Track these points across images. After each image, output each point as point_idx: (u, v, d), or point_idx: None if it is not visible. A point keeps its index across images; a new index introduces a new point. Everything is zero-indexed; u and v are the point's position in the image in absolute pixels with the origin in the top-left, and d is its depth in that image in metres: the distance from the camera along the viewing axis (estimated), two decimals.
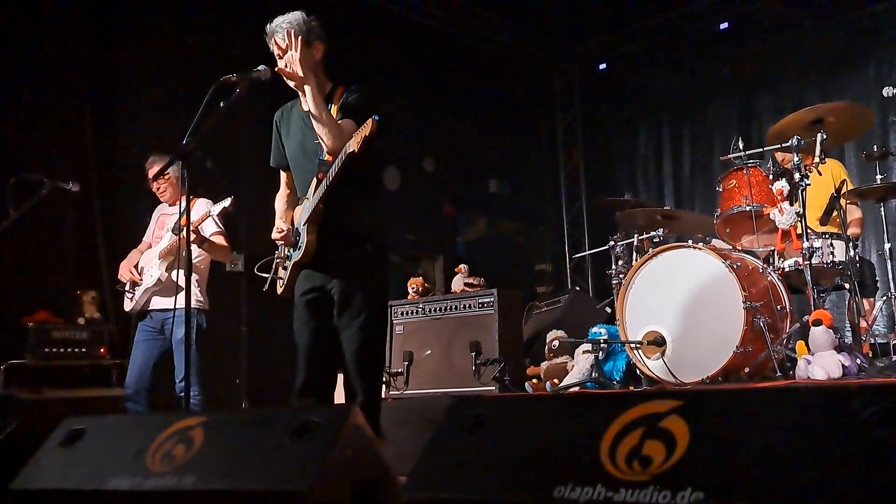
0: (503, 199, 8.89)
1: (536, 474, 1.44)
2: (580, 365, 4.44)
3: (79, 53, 5.70)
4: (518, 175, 9.03)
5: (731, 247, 4.28)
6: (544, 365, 4.90)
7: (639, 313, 4.06)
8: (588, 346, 4.37)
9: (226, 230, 4.21)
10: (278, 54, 2.92)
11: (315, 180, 2.92)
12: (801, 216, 3.81)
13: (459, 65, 8.19)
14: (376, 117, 2.65)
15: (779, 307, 3.92)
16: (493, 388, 4.47)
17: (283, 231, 3.01)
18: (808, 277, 3.74)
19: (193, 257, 4.17)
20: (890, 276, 4.03)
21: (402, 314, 5.01)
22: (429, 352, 4.83)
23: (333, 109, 2.93)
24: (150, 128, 5.80)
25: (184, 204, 2.90)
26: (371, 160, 2.89)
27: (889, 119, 6.86)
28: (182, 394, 3.27)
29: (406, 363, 4.83)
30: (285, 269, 3.04)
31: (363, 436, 1.67)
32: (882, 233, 4.15)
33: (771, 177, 4.08)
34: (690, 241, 4.06)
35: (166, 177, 4.18)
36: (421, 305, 4.98)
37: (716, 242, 4.34)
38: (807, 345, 3.57)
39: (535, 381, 4.86)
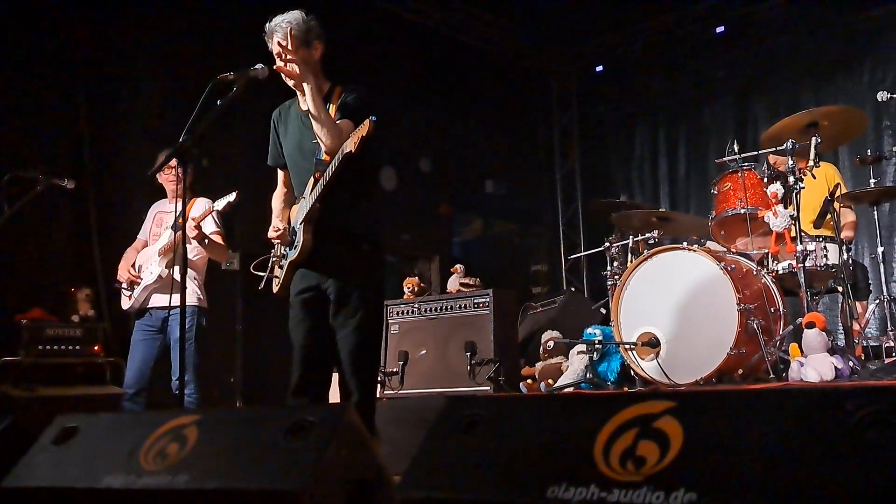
0: (499, 199, 8.90)
1: (530, 474, 1.44)
2: (575, 365, 4.45)
3: (75, 50, 5.68)
4: (514, 176, 9.04)
5: (725, 249, 4.29)
6: (539, 365, 4.90)
7: (633, 314, 4.07)
8: (583, 347, 4.38)
9: (224, 230, 4.22)
10: (277, 53, 2.92)
11: (312, 179, 2.92)
12: (796, 219, 3.82)
13: (457, 66, 8.19)
14: (373, 118, 2.66)
15: (772, 309, 3.93)
16: (488, 388, 4.48)
17: (279, 230, 3.01)
18: (802, 280, 3.76)
19: (192, 255, 4.18)
20: (883, 279, 4.06)
21: (397, 314, 5.01)
22: (424, 351, 4.83)
23: (332, 109, 2.93)
24: (145, 125, 5.79)
25: (183, 200, 2.90)
26: (368, 160, 2.90)
27: (883, 123, 6.89)
28: (180, 390, 3.26)
29: (401, 363, 4.83)
30: (281, 267, 3.04)
31: (358, 435, 1.67)
32: (875, 236, 4.18)
33: (765, 180, 4.10)
34: (685, 243, 4.07)
35: (169, 171, 4.16)
36: (416, 305, 4.98)
37: (710, 244, 4.35)
38: (800, 347, 3.58)
39: (529, 381, 4.86)
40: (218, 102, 2.78)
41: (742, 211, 4.13)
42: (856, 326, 4.04)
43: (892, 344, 3.89)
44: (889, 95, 4.25)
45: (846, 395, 1.27)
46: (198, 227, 3.90)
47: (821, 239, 4.02)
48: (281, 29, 2.89)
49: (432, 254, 8.13)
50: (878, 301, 4.14)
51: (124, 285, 4.29)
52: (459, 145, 8.36)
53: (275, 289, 3.09)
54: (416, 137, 7.88)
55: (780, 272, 4.02)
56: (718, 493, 1.24)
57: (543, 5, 7.89)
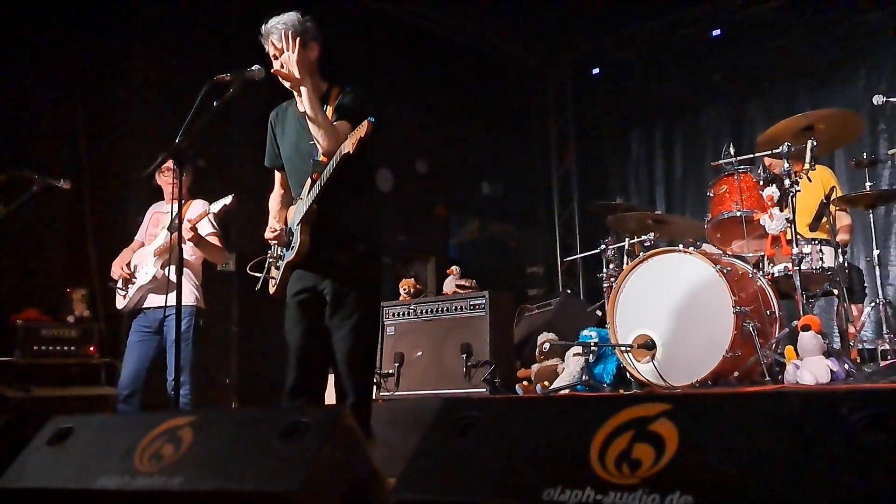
0: (496, 201, 8.90)
1: (526, 476, 1.44)
2: (570, 368, 4.45)
3: (72, 51, 5.68)
4: (511, 178, 9.05)
5: (721, 252, 4.30)
6: (535, 367, 4.91)
7: (629, 317, 4.07)
8: (578, 349, 4.38)
9: (221, 232, 4.21)
10: (274, 55, 2.92)
11: (309, 181, 2.92)
12: (791, 222, 3.83)
13: (453, 67, 8.20)
14: (371, 119, 2.66)
15: (768, 312, 3.94)
16: (484, 389, 4.48)
17: (276, 231, 3.01)
18: (798, 283, 3.76)
19: (189, 255, 4.18)
20: (878, 282, 4.06)
21: (393, 315, 5.01)
22: (420, 353, 4.83)
23: (329, 110, 2.93)
24: (142, 126, 5.79)
25: (178, 202, 2.89)
26: (365, 161, 2.90)
27: (879, 127, 6.91)
28: (175, 391, 3.26)
29: (397, 364, 4.83)
30: (278, 268, 3.04)
31: (353, 437, 1.67)
32: (871, 239, 4.19)
33: (761, 183, 4.11)
34: (681, 246, 4.07)
35: (167, 172, 4.16)
36: (412, 307, 4.98)
37: (706, 247, 4.36)
38: (795, 350, 3.59)
39: (525, 383, 4.87)
40: (214, 103, 2.78)
41: (738, 214, 4.14)
42: (851, 329, 4.04)
43: (887, 347, 3.89)
44: (885, 99, 4.26)
45: (842, 398, 1.27)
46: (193, 228, 3.90)
47: (816, 242, 4.03)
48: (277, 30, 2.89)
49: (428, 255, 8.13)
50: (873, 304, 4.15)
51: (119, 284, 4.28)
52: (456, 147, 8.37)
53: (271, 290, 3.08)
54: (412, 139, 7.88)
55: (776, 275, 4.03)
56: (714, 495, 1.24)
57: (540, 8, 7.90)
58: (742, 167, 4.23)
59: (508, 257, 9.25)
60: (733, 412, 1.38)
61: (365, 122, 2.65)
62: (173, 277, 2.91)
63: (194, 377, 4.10)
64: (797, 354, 3.56)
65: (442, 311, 4.86)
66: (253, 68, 2.87)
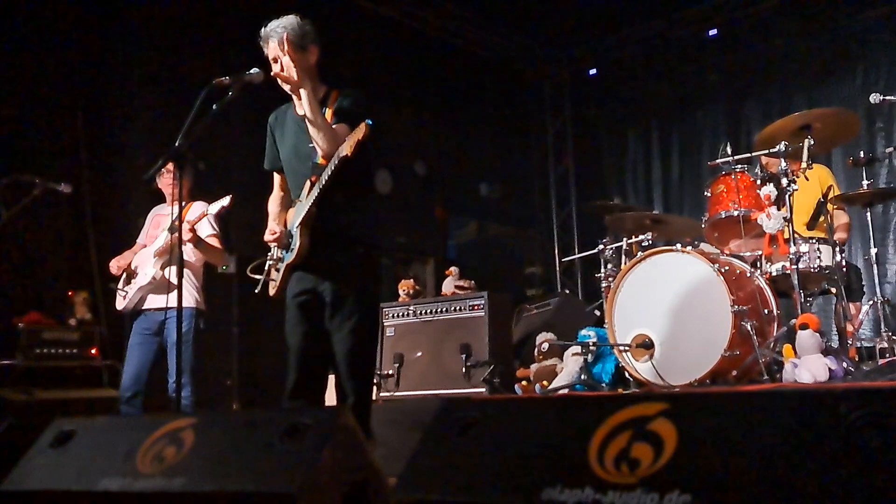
0: (494, 202, 8.91)
1: (525, 476, 1.45)
2: (569, 367, 4.46)
3: (72, 55, 5.68)
4: (508, 179, 9.05)
5: (718, 251, 4.31)
6: (534, 367, 4.91)
7: (627, 316, 4.08)
8: (577, 349, 4.39)
9: (221, 233, 4.22)
10: (273, 58, 2.92)
11: (308, 183, 2.92)
12: (789, 221, 3.84)
13: (450, 69, 8.21)
14: (369, 122, 2.66)
15: (766, 311, 3.94)
16: (483, 389, 4.48)
17: (275, 233, 3.02)
18: (795, 282, 3.77)
19: (189, 257, 4.20)
20: (876, 280, 4.08)
21: (392, 316, 5.01)
22: (419, 354, 4.84)
23: (328, 113, 2.94)
24: (142, 129, 5.79)
25: (178, 204, 2.90)
26: (363, 163, 2.91)
27: (876, 125, 6.93)
28: (177, 393, 3.27)
29: (396, 365, 4.83)
30: (277, 270, 3.05)
31: (353, 438, 1.67)
32: (868, 238, 4.19)
33: (759, 182, 4.11)
34: (679, 245, 4.08)
35: (168, 174, 4.17)
36: (411, 307, 4.99)
37: (704, 246, 4.37)
38: (794, 348, 3.60)
39: (524, 383, 4.87)
40: (214, 107, 2.79)
41: (735, 213, 4.15)
42: (849, 328, 4.05)
43: (885, 345, 3.90)
44: (882, 97, 4.27)
45: (840, 396, 1.27)
46: (192, 230, 3.91)
47: (814, 241, 4.04)
48: (276, 34, 2.89)
49: (427, 256, 8.14)
50: (871, 302, 4.16)
51: (119, 285, 4.29)
52: (454, 148, 8.38)
53: (271, 292, 3.09)
54: (410, 141, 7.89)
55: (774, 274, 4.04)
56: (712, 494, 1.25)
57: (537, 9, 7.91)
58: (739, 166, 4.24)
59: (507, 258, 9.26)
60: (732, 411, 1.38)
61: (362, 125, 2.66)
62: (174, 279, 2.91)
63: (195, 379, 4.10)
64: (795, 353, 3.57)
65: (441, 311, 4.87)
66: (252, 72, 2.88)
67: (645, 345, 3.92)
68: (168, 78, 5.92)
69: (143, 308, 4.21)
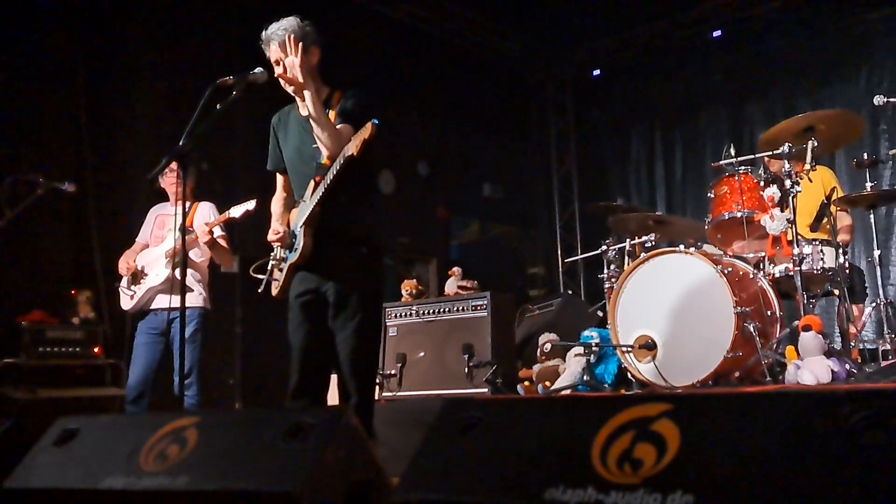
0: (496, 202, 8.91)
1: (528, 476, 1.45)
2: (572, 368, 4.46)
3: (75, 54, 5.68)
4: (511, 179, 9.05)
5: (722, 252, 4.30)
6: (536, 368, 4.91)
7: (630, 317, 4.08)
8: (580, 350, 4.39)
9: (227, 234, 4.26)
10: (275, 60, 2.93)
11: (312, 183, 2.93)
12: (792, 222, 3.84)
13: (454, 69, 8.21)
14: (375, 121, 2.66)
15: (769, 312, 3.94)
16: (486, 390, 4.48)
17: (279, 233, 3.03)
18: (798, 283, 3.77)
19: (197, 257, 4.22)
20: (879, 282, 4.07)
21: (395, 316, 5.01)
22: (422, 354, 4.84)
23: (331, 114, 2.94)
24: (145, 129, 5.80)
25: (182, 204, 2.91)
26: (367, 164, 2.91)
27: (880, 127, 6.91)
28: (179, 392, 3.28)
29: (399, 365, 4.84)
30: (281, 270, 3.05)
31: (356, 437, 1.68)
32: (871, 239, 4.19)
33: (762, 183, 4.11)
34: (682, 247, 4.08)
35: (171, 174, 4.19)
36: (414, 308, 4.99)
37: (707, 248, 4.36)
38: (796, 350, 3.59)
39: (526, 383, 4.87)
40: (217, 106, 2.79)
41: (738, 214, 4.14)
42: (852, 329, 4.05)
43: (888, 347, 3.89)
44: (885, 99, 4.26)
45: (842, 398, 1.27)
46: (210, 232, 3.97)
47: (817, 242, 4.03)
48: (278, 36, 2.89)
49: (430, 257, 8.14)
50: (874, 304, 4.15)
51: (123, 284, 4.30)
52: (457, 149, 8.38)
53: (274, 292, 3.10)
54: (413, 141, 7.89)
55: (777, 275, 4.03)
56: (715, 495, 1.25)
57: (540, 10, 7.90)
58: (743, 168, 4.23)
59: (509, 258, 9.26)
60: (734, 412, 1.39)
61: (369, 125, 2.66)
62: (184, 279, 2.92)
63: (201, 378, 4.12)
64: (798, 354, 3.57)
65: (443, 311, 4.87)
66: (256, 71, 2.88)
67: (647, 346, 3.92)
68: (172, 77, 5.93)
69: (152, 308, 4.23)
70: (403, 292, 5.37)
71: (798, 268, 3.77)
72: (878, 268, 4.08)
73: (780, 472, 1.24)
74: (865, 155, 4.31)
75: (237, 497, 1.63)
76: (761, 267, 4.13)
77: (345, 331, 2.87)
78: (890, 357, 3.83)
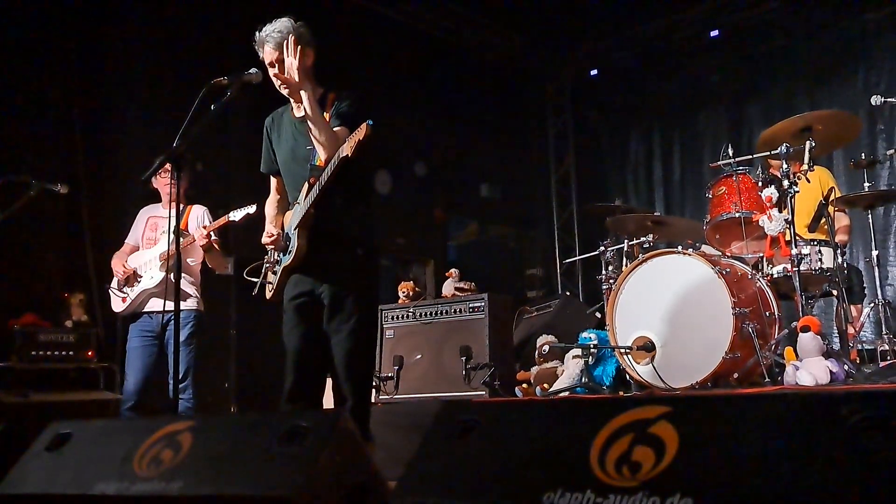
0: (494, 203, 8.90)
1: (526, 479, 1.44)
2: (570, 370, 4.45)
3: (68, 55, 5.67)
4: (509, 180, 9.04)
5: (720, 253, 4.30)
6: (534, 370, 4.90)
7: (629, 318, 4.07)
8: (578, 351, 4.38)
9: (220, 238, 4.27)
10: (270, 62, 2.91)
11: (306, 185, 2.92)
12: (790, 223, 3.83)
13: (451, 69, 8.20)
14: (370, 122, 2.65)
15: (767, 313, 3.93)
16: (483, 392, 4.47)
17: (273, 235, 3.01)
18: (797, 284, 3.76)
19: (190, 260, 4.22)
20: (877, 282, 4.07)
21: (392, 318, 5.00)
22: (419, 356, 4.82)
23: (326, 116, 2.93)
24: (139, 130, 5.78)
25: (176, 206, 2.90)
26: (362, 165, 2.90)
27: (877, 127, 6.92)
28: (174, 395, 3.27)
29: (396, 367, 4.82)
30: (275, 273, 3.04)
31: (353, 440, 1.66)
32: (870, 240, 4.19)
33: (760, 184, 4.10)
34: (680, 247, 4.07)
35: (165, 175, 4.18)
36: (411, 310, 4.97)
37: (705, 248, 4.36)
38: (795, 351, 3.59)
39: (524, 385, 4.86)
40: (212, 107, 2.78)
41: (737, 215, 4.13)
42: (851, 330, 4.04)
43: (886, 347, 3.89)
44: (883, 100, 4.25)
45: (841, 399, 1.27)
46: (208, 235, 3.97)
47: (815, 243, 4.03)
48: (273, 38, 2.88)
49: (427, 258, 8.13)
50: (872, 305, 4.15)
51: (114, 286, 4.29)
52: (454, 149, 8.37)
53: (268, 294, 3.08)
54: (410, 141, 7.88)
55: (775, 276, 4.02)
56: (714, 497, 1.24)
57: (538, 10, 7.90)
58: (741, 168, 4.23)
59: (507, 260, 9.25)
60: (733, 414, 1.38)
61: (364, 125, 2.65)
62: (181, 282, 2.90)
63: (196, 382, 4.12)
64: (797, 355, 3.56)
65: (441, 313, 4.85)
66: (250, 71, 2.87)
67: (646, 347, 3.91)
68: (166, 78, 5.91)
69: (145, 311, 4.22)
70: (400, 294, 5.36)
71: (796, 268, 3.77)
72: (876, 268, 4.08)
73: (779, 473, 1.23)
74: (863, 155, 4.31)
75: (232, 502, 1.61)
76: (760, 267, 4.13)
77: (340, 333, 2.86)
78: (888, 357, 3.83)
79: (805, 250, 3.89)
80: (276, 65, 2.89)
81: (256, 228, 3.18)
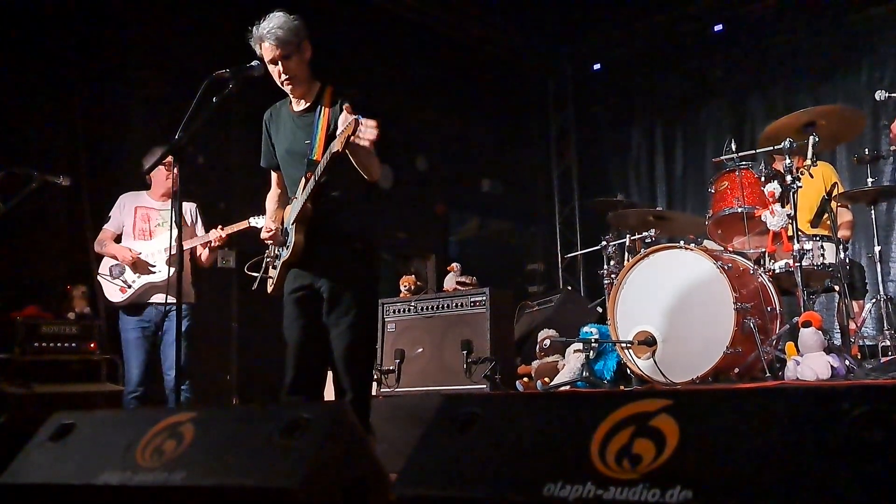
0: (496, 198, 8.89)
1: (526, 472, 1.44)
2: (571, 364, 4.46)
3: (69, 46, 5.66)
4: (511, 174, 9.03)
5: (722, 248, 4.30)
6: (535, 364, 4.91)
7: (630, 313, 4.07)
8: (579, 346, 4.38)
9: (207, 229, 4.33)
10: (270, 59, 2.89)
11: (304, 180, 2.91)
12: (793, 218, 3.83)
13: (453, 64, 8.18)
14: (359, 117, 2.63)
15: (769, 308, 3.93)
16: (484, 386, 4.47)
17: (271, 230, 3.01)
18: (799, 279, 3.76)
19: (187, 255, 4.25)
20: (879, 278, 4.06)
21: (393, 312, 5.00)
22: (420, 350, 4.83)
23: (324, 113, 2.93)
24: (140, 122, 5.78)
25: (177, 199, 2.91)
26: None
27: (881, 122, 6.90)
28: (176, 388, 3.30)
29: (397, 361, 4.82)
30: (275, 268, 3.05)
31: (354, 433, 1.67)
32: (872, 235, 4.18)
33: (763, 179, 4.10)
34: (682, 242, 4.07)
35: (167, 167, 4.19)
36: (413, 303, 4.98)
37: (707, 243, 4.36)
38: (796, 346, 3.59)
39: (525, 379, 4.86)
40: (214, 100, 2.77)
41: (739, 210, 4.13)
42: (852, 326, 4.04)
43: (888, 343, 3.89)
44: (887, 95, 4.24)
45: (842, 394, 1.27)
46: (224, 237, 4.07)
47: (818, 238, 4.03)
48: (273, 35, 2.85)
49: (429, 252, 8.12)
50: (874, 300, 4.14)
51: (105, 273, 4.31)
52: (456, 144, 8.35)
53: (269, 289, 3.09)
54: (412, 136, 7.87)
55: (777, 271, 4.02)
56: (714, 491, 1.24)
57: (540, 4, 7.88)
58: (743, 163, 4.22)
59: (509, 254, 9.24)
60: (734, 408, 1.38)
61: (352, 121, 2.62)
62: (182, 276, 2.91)
63: (192, 374, 4.18)
64: (798, 351, 3.56)
65: (442, 307, 4.85)
66: (252, 64, 2.86)
67: (647, 342, 3.91)
68: (168, 70, 5.90)
69: (147, 302, 4.24)
70: (402, 288, 5.36)
71: (798, 264, 3.77)
72: (878, 264, 4.08)
73: (780, 467, 1.23)
74: (866, 150, 4.31)
75: (234, 493, 1.62)
76: (762, 263, 4.12)
77: (339, 327, 2.86)
78: (890, 353, 3.83)
79: (807, 246, 3.88)
80: (280, 62, 2.88)
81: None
